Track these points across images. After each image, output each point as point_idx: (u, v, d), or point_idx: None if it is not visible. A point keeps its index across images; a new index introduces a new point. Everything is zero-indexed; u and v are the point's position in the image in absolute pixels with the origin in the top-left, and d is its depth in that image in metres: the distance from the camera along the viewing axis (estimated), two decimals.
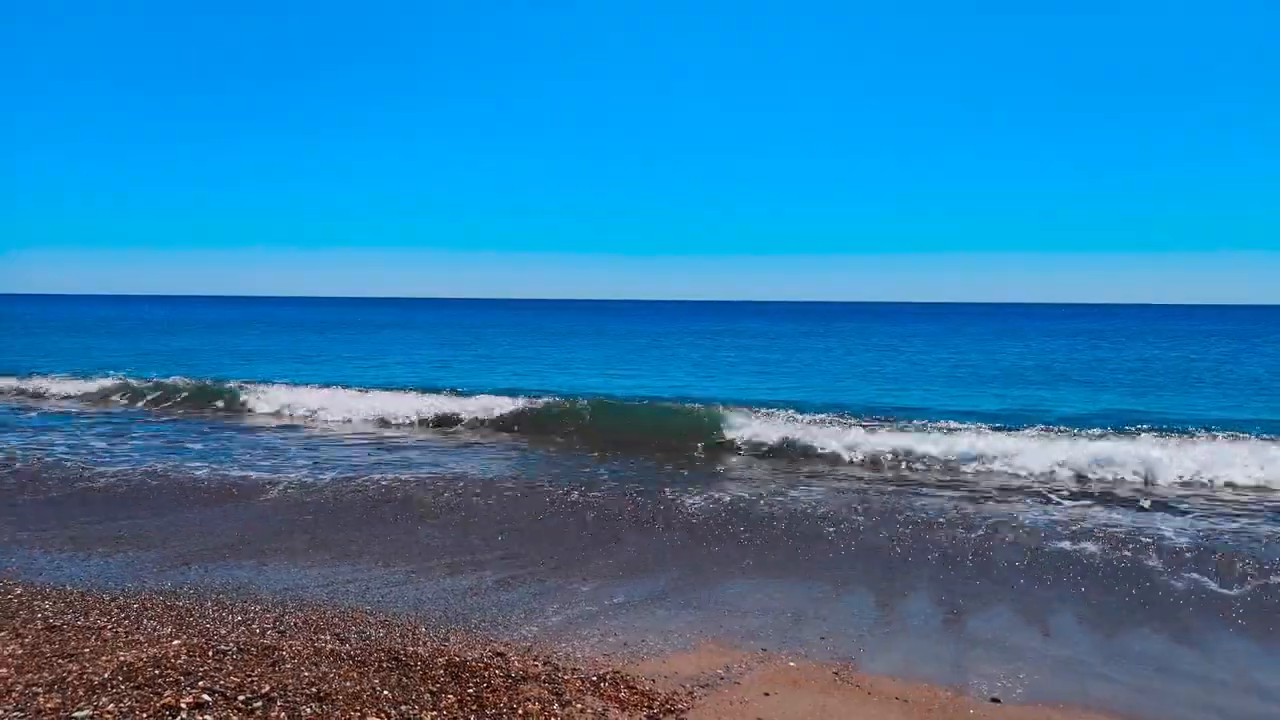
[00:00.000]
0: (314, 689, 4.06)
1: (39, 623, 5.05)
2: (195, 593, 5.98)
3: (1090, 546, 7.55)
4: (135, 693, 3.86)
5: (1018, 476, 10.64)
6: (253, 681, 4.11)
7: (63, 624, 5.05)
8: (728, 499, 9.39)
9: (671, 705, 4.32)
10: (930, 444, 11.50)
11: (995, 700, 4.56)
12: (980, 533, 8.03)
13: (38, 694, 3.82)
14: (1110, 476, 10.36)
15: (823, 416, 14.01)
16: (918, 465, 11.20)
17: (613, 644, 5.23)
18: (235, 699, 3.86)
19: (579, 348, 39.21)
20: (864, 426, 12.82)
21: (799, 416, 13.92)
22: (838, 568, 7.00)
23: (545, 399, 14.85)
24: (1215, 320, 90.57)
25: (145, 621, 5.21)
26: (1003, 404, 18.40)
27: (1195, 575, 6.80)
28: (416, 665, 4.55)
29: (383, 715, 3.84)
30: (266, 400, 16.44)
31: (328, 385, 18.05)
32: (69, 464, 10.86)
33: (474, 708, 4.03)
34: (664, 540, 7.76)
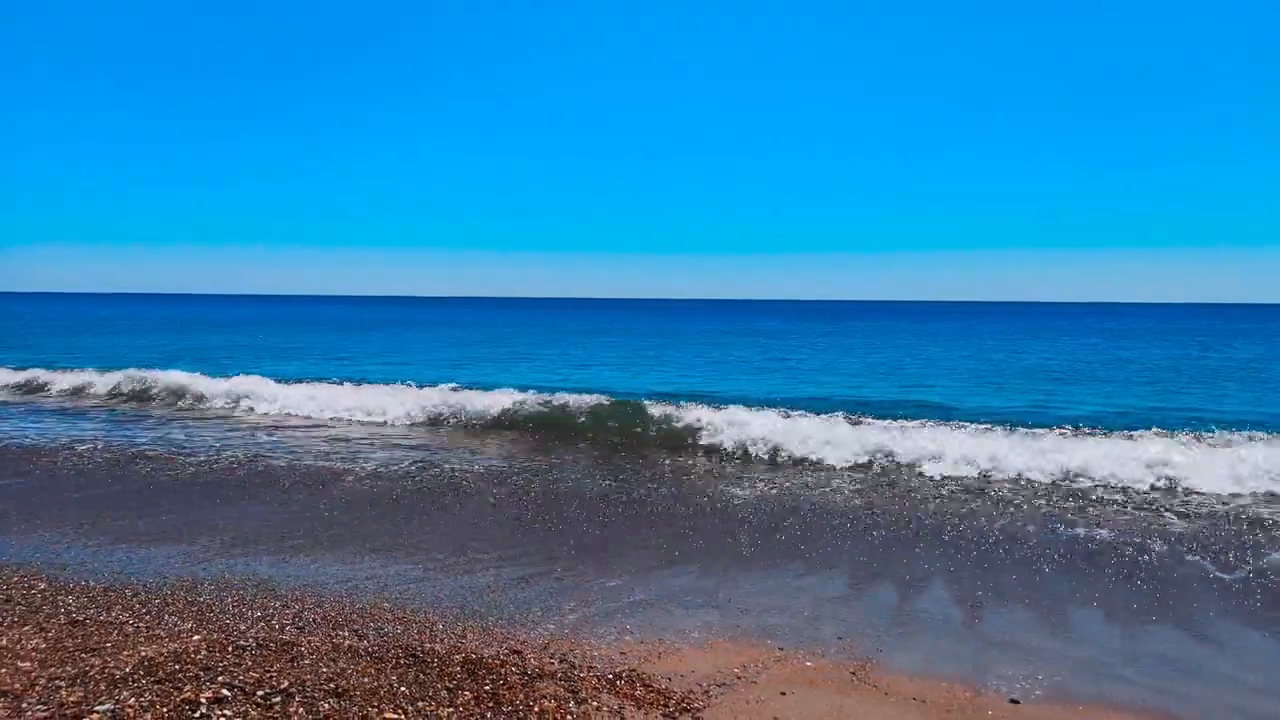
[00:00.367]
0: (332, 685, 4.09)
1: (62, 617, 5.12)
2: (216, 588, 6.03)
3: (1113, 546, 7.48)
4: (156, 687, 3.90)
5: (1035, 477, 10.54)
6: (271, 677, 4.14)
7: (85, 619, 5.11)
8: (745, 498, 9.38)
9: (687, 704, 4.31)
10: (955, 445, 11.40)
11: (1014, 701, 4.53)
12: (1000, 532, 7.97)
13: (61, 687, 3.87)
14: (1131, 476, 10.23)
15: (843, 415, 13.95)
16: (934, 465, 11.12)
17: (629, 642, 5.23)
18: (254, 694, 3.90)
19: (596, 347, 39.25)
20: (872, 424, 12.80)
21: (815, 415, 13.87)
22: (855, 567, 6.97)
23: (561, 396, 14.87)
24: (1228, 319, 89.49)
25: (166, 617, 5.27)
26: (1022, 401, 18.26)
27: (1221, 576, 6.72)
28: (433, 662, 4.57)
29: (400, 711, 3.87)
30: (290, 394, 16.55)
31: (355, 382, 18.17)
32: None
33: (490, 705, 4.04)
34: (680, 539, 7.75)
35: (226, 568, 6.59)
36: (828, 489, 9.93)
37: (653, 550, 7.38)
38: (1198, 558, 7.22)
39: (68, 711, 3.60)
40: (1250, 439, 11.50)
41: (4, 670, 4.07)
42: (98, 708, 3.64)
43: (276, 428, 14.44)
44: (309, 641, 4.82)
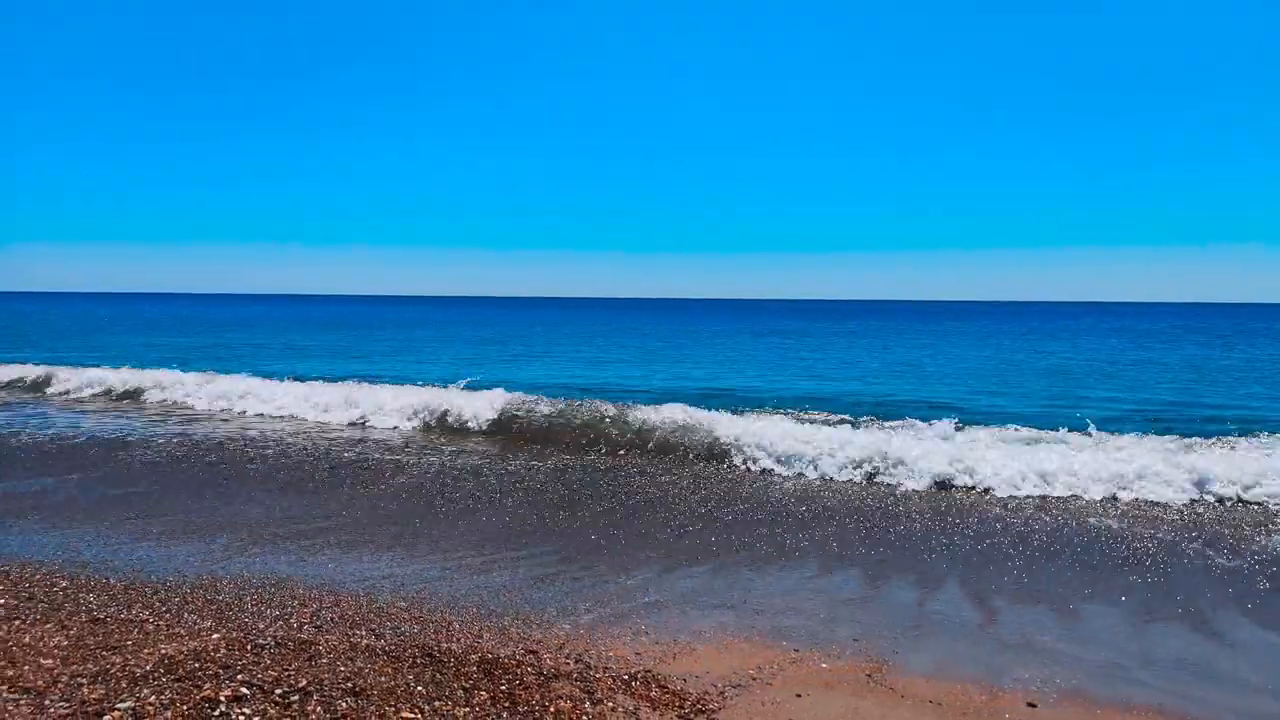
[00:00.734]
0: (349, 684, 4.12)
1: (84, 615, 5.17)
2: (235, 586, 6.08)
3: (1135, 547, 7.43)
4: (176, 685, 3.93)
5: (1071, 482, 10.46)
6: (290, 675, 4.17)
7: (106, 617, 5.16)
8: (761, 499, 9.37)
9: (703, 705, 4.32)
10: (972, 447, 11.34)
11: (1031, 705, 4.51)
12: (1017, 534, 7.93)
13: (82, 684, 3.91)
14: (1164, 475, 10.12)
15: (861, 417, 13.90)
16: (952, 466, 11.06)
17: (644, 643, 5.24)
18: (273, 693, 3.93)
19: (609, 346, 39.31)
20: (882, 425, 12.75)
21: (833, 416, 13.82)
22: (870, 568, 6.95)
23: (582, 396, 14.90)
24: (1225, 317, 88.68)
25: (186, 615, 5.31)
26: (1040, 403, 18.15)
27: (1244, 578, 6.66)
28: (450, 661, 4.59)
29: (416, 711, 3.89)
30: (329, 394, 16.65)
31: (378, 382, 18.27)
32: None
33: (506, 705, 4.06)
34: (694, 539, 7.76)
35: (245, 565, 6.64)
36: (846, 490, 9.90)
37: (667, 550, 7.39)
38: (1220, 560, 7.16)
39: (89, 709, 3.64)
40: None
41: (27, 667, 4.12)
42: (119, 705, 3.68)
43: (295, 427, 14.53)
44: (327, 640, 4.86)
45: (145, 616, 5.22)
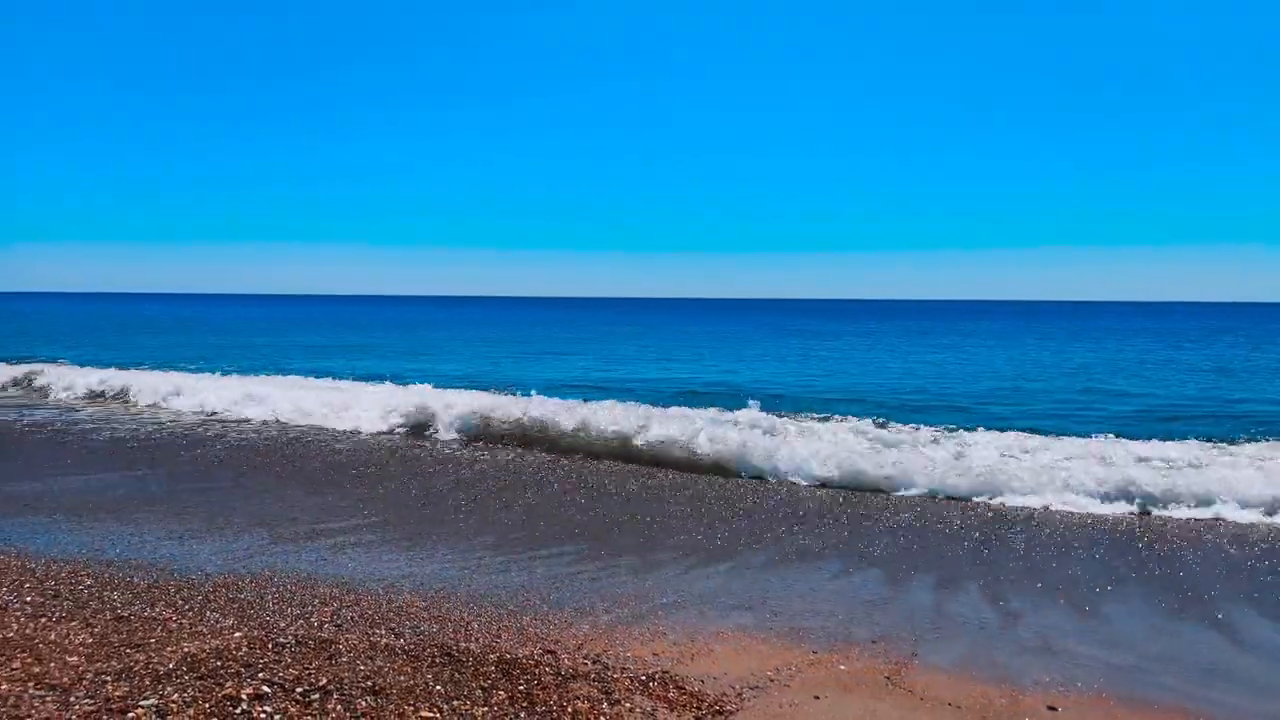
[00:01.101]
0: (369, 683, 4.14)
1: (108, 613, 5.23)
2: (257, 585, 6.13)
3: (1152, 549, 7.35)
4: (198, 683, 3.97)
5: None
6: (310, 674, 4.20)
7: (130, 615, 5.22)
8: (778, 501, 9.35)
9: (720, 707, 4.31)
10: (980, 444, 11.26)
11: (1052, 709, 4.47)
12: (1035, 536, 7.87)
13: (106, 682, 3.96)
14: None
15: (872, 420, 13.85)
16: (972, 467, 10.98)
17: (662, 643, 5.24)
18: (293, 691, 3.96)
19: (622, 340, 39.36)
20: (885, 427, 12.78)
21: (848, 417, 13.77)
22: (890, 570, 6.92)
23: (599, 397, 14.89)
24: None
25: (208, 613, 5.37)
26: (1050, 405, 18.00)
27: (1262, 580, 6.58)
28: (468, 661, 4.61)
29: (435, 710, 3.91)
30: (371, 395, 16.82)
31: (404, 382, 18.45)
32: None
33: (524, 704, 4.07)
34: (713, 542, 7.75)
35: (266, 563, 6.70)
36: (864, 494, 9.86)
37: (685, 551, 7.39)
38: (1241, 563, 7.08)
39: (113, 705, 3.68)
40: None
41: (53, 664, 4.17)
42: (142, 702, 3.72)
43: (313, 426, 14.64)
44: (347, 639, 4.89)
45: (168, 614, 5.27)
